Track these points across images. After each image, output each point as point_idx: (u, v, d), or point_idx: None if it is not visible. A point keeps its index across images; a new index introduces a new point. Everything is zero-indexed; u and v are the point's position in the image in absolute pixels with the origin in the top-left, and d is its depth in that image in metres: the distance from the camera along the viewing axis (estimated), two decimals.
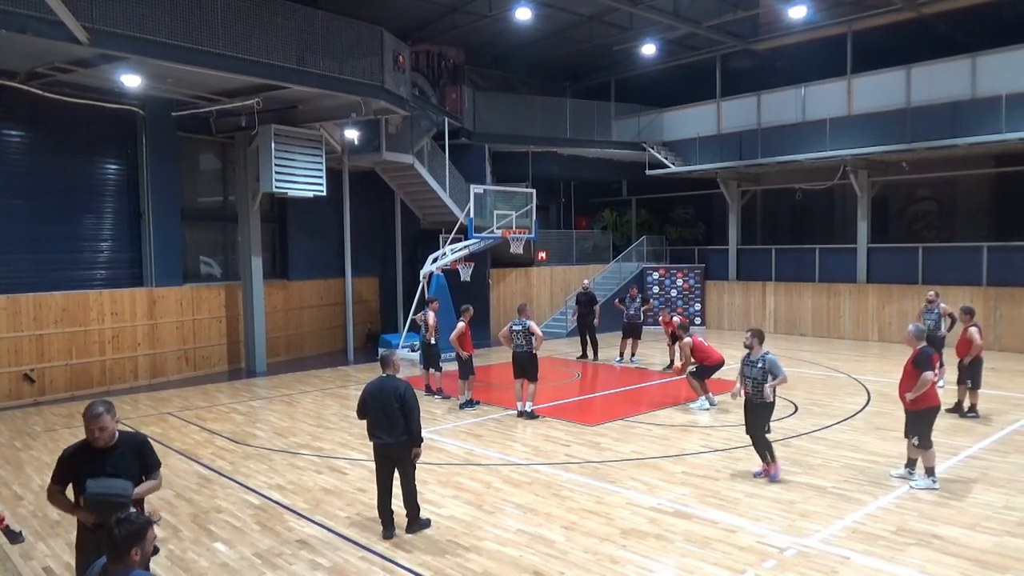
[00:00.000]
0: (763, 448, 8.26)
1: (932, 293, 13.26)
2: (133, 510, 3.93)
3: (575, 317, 18.46)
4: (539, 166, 22.85)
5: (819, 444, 9.65)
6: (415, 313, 17.81)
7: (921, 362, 7.82)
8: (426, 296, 17.46)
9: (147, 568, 3.63)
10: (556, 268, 22.80)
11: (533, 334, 11.42)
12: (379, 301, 21.45)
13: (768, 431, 8.21)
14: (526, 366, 11.42)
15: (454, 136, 20.02)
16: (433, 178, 18.89)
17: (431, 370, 13.37)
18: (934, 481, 7.80)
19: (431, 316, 13.24)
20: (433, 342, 13.15)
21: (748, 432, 8.41)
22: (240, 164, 16.30)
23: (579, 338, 17.71)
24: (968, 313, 11.10)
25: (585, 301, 17.41)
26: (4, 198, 13.21)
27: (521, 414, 11.44)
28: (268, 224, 17.93)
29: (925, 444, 7.83)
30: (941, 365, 13.37)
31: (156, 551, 3.92)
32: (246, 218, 16.29)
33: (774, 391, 8.10)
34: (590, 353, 17.18)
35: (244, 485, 8.42)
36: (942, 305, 12.82)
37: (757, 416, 8.20)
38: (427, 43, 20.65)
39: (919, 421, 7.88)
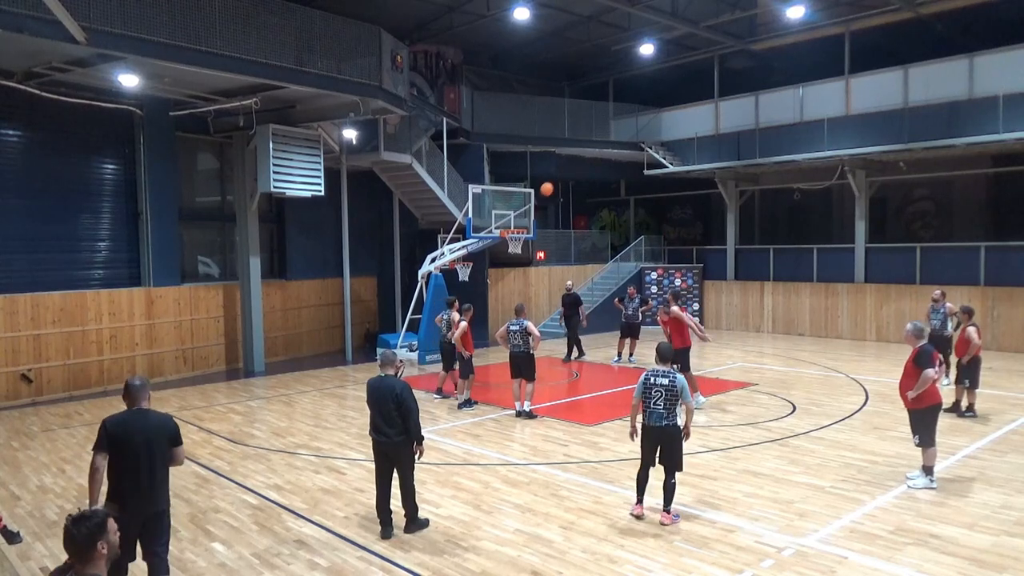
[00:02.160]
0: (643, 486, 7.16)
1: (938, 292, 13.32)
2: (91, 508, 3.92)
3: (561, 319, 17.99)
4: (537, 166, 22.86)
5: (817, 444, 9.65)
6: (414, 313, 17.86)
7: (922, 360, 7.79)
8: (424, 296, 17.47)
9: (111, 561, 3.63)
10: (555, 268, 22.81)
11: (530, 334, 11.42)
12: (377, 301, 21.44)
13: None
14: (523, 366, 11.43)
15: (452, 136, 20.02)
16: (431, 178, 18.88)
17: (447, 371, 13.09)
18: (932, 480, 7.81)
19: (455, 316, 12.84)
20: (454, 342, 12.65)
21: (663, 464, 7.09)
22: (238, 164, 16.28)
23: (566, 339, 17.39)
24: (967, 312, 11.13)
25: (570, 303, 17.20)
26: (1, 198, 13.19)
27: (520, 414, 11.44)
28: (266, 224, 17.91)
29: (926, 443, 7.83)
30: (942, 363, 13.43)
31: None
32: (244, 218, 16.27)
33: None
34: (575, 352, 17.02)
35: (242, 485, 8.41)
36: (948, 305, 12.84)
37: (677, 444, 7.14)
38: (425, 43, 20.65)
39: (920, 420, 7.88)
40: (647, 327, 18.40)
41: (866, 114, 19.02)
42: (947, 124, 17.50)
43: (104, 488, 5.14)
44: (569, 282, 18.72)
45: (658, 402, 6.98)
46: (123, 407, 5.33)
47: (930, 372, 7.71)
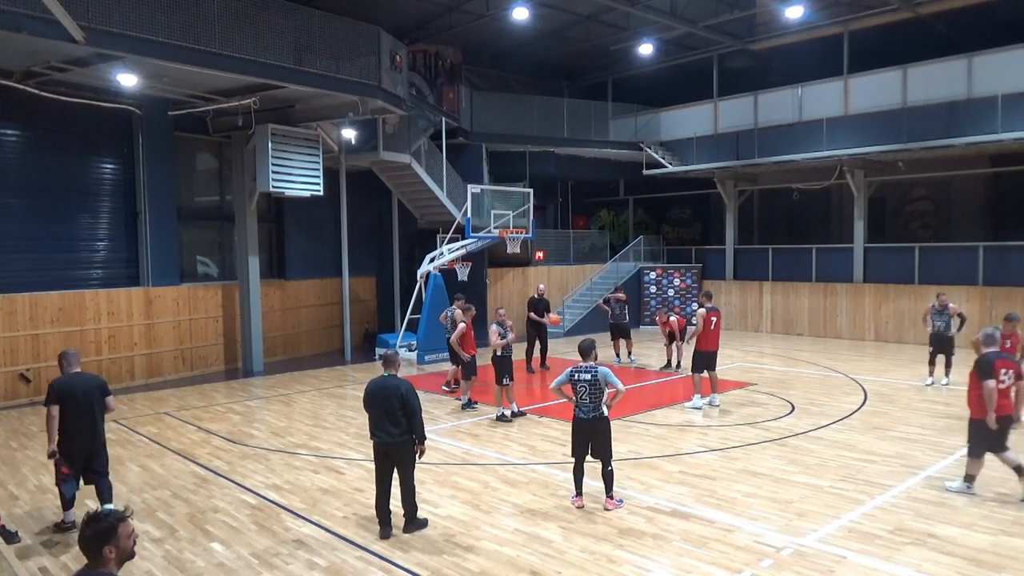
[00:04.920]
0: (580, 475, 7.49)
1: (944, 297, 13.46)
2: (108, 507, 3.94)
3: (527, 324, 16.11)
4: (536, 166, 22.86)
5: (816, 443, 9.66)
6: (413, 313, 17.86)
7: (980, 370, 7.35)
8: (423, 296, 17.46)
9: (125, 562, 3.50)
10: (554, 268, 22.81)
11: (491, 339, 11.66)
12: (376, 301, 21.44)
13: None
14: (495, 367, 11.56)
15: (451, 136, 20.02)
16: (430, 178, 18.88)
17: (456, 365, 13.03)
18: (969, 486, 7.57)
19: (459, 314, 12.63)
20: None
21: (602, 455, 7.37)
22: (237, 163, 16.27)
23: (526, 347, 15.65)
24: (1012, 320, 10.72)
25: (542, 309, 15.87)
26: (0, 197, 13.18)
27: (498, 418, 11.33)
28: (265, 224, 17.90)
29: (971, 452, 7.59)
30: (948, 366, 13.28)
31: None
32: (243, 217, 16.26)
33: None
34: (536, 362, 15.90)
35: (241, 485, 8.40)
36: (951, 306, 12.95)
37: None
38: (424, 42, 20.65)
39: (970, 430, 7.61)
40: (647, 327, 18.35)
41: (865, 114, 19.03)
42: (946, 124, 17.51)
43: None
44: (541, 285, 17.08)
45: (584, 396, 7.30)
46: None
47: (990, 383, 7.22)
